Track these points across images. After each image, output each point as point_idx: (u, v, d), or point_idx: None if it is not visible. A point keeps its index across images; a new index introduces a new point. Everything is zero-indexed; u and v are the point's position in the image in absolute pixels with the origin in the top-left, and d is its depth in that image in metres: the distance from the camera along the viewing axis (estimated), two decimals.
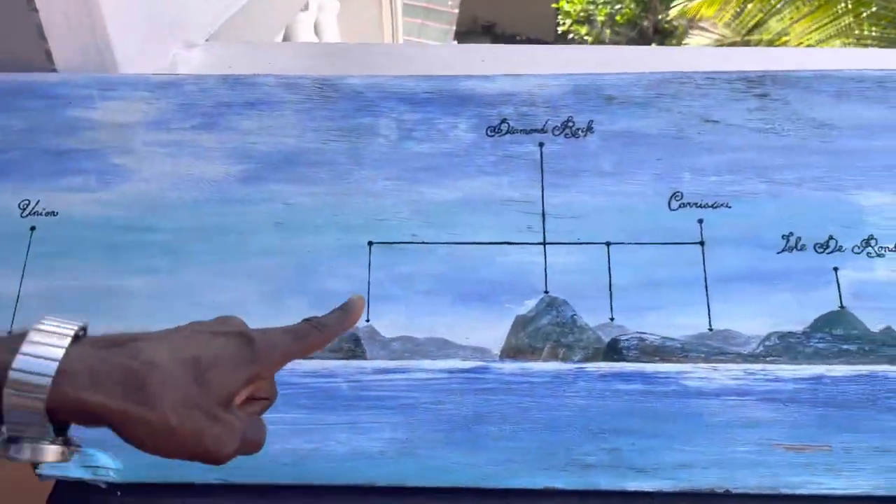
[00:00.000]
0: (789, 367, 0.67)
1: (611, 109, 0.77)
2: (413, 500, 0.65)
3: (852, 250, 0.70)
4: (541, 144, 0.76)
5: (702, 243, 0.71)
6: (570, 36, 8.45)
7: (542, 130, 0.76)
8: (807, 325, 0.68)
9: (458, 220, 0.73)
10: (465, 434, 0.66)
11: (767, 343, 0.67)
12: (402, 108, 0.78)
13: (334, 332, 0.45)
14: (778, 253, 0.70)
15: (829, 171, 0.73)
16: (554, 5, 8.54)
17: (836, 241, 0.70)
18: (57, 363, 0.33)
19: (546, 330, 0.69)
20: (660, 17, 7.71)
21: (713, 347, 0.68)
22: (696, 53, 0.78)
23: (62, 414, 0.34)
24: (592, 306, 0.70)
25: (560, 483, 0.64)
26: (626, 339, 0.68)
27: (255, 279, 0.71)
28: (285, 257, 0.72)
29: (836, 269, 0.69)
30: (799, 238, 0.71)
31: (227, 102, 0.79)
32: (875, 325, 0.68)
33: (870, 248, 0.70)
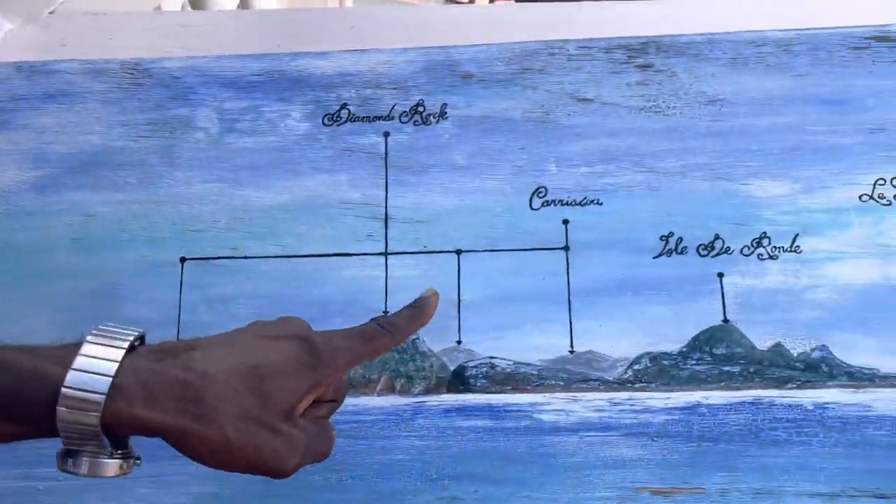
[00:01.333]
0: (661, 394, 0.57)
1: (468, 89, 0.65)
2: None
3: (741, 252, 0.59)
4: (386, 134, 0.64)
5: (566, 248, 0.60)
6: None
7: (388, 117, 0.65)
8: (684, 343, 0.58)
9: (286, 228, 0.62)
10: (283, 486, 0.57)
11: (637, 367, 0.58)
12: (224, 94, 0.66)
13: (404, 333, 0.42)
14: (654, 258, 0.60)
15: (718, 156, 0.62)
16: None
17: (723, 242, 0.60)
18: (110, 379, 0.32)
19: (382, 358, 0.59)
20: None
21: (574, 373, 0.58)
22: (575, 11, 0.66)
23: (119, 429, 0.32)
24: (438, 327, 0.59)
25: None
26: (475, 367, 0.58)
27: (49, 306, 0.61)
28: (83, 280, 0.62)
29: (720, 274, 0.59)
30: (680, 239, 0.60)
31: (23, 95, 0.67)
32: (763, 341, 0.57)
33: (761, 249, 0.59)
